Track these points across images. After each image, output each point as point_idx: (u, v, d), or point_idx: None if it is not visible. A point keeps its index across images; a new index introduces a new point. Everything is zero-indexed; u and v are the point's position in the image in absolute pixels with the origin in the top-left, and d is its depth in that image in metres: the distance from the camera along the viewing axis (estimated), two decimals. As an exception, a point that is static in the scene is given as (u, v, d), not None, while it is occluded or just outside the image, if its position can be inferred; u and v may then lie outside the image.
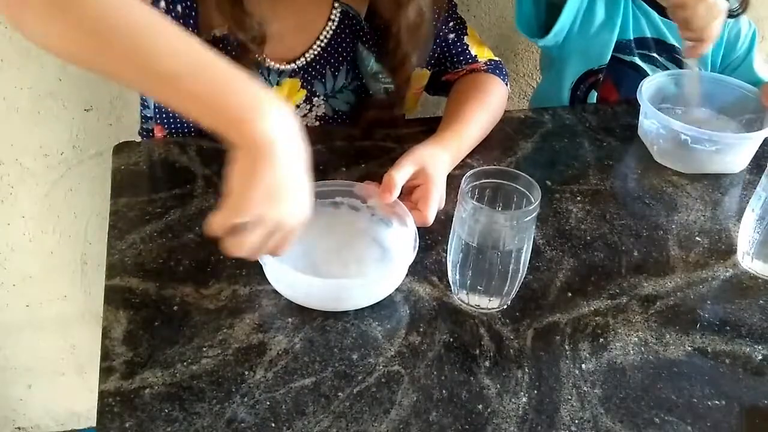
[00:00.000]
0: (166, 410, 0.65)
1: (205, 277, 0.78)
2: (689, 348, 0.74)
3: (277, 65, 0.98)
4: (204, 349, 0.70)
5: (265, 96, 0.63)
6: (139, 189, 0.90)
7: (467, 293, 0.76)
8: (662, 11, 1.13)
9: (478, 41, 1.09)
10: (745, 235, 0.84)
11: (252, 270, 0.78)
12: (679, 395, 0.69)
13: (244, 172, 0.63)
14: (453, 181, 0.86)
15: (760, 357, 0.73)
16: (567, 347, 0.73)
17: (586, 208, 0.91)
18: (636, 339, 0.74)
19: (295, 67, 0.99)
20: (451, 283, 0.78)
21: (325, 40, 0.99)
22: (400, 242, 0.79)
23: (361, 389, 0.68)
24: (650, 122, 1.00)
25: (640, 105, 1.01)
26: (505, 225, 0.71)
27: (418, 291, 0.78)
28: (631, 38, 1.15)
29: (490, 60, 1.08)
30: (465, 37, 1.07)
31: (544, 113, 1.10)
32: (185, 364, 0.69)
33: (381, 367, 0.70)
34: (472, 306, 0.76)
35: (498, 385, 0.69)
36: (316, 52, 0.99)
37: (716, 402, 0.69)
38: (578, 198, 0.93)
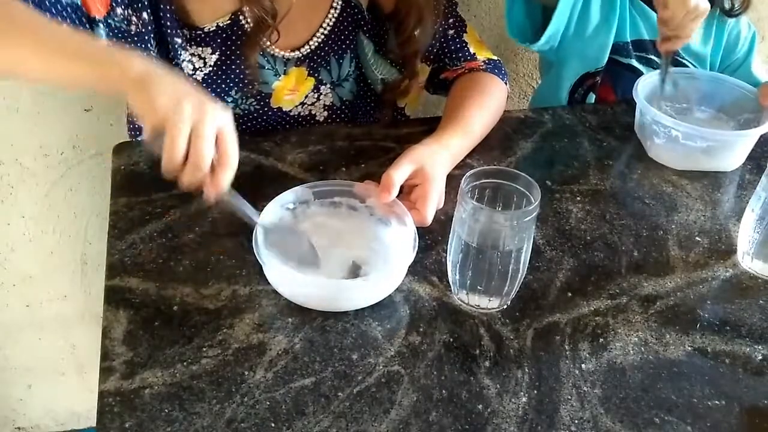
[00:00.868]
0: (166, 410, 0.65)
1: (205, 277, 0.78)
2: (689, 348, 0.74)
3: (283, 53, 0.99)
4: (204, 349, 0.70)
5: (133, 54, 0.72)
6: (139, 189, 0.90)
7: (467, 293, 0.76)
8: None
9: (477, 40, 1.09)
10: (745, 235, 0.84)
11: (252, 270, 0.78)
12: (679, 395, 0.69)
13: (139, 101, 0.68)
14: (453, 181, 0.86)
15: (760, 357, 0.73)
16: (567, 347, 0.73)
17: (586, 208, 0.91)
18: (636, 339, 0.74)
19: (300, 55, 1.00)
20: (451, 283, 0.78)
21: (328, 28, 1.01)
22: (399, 242, 0.79)
23: (361, 389, 0.68)
24: (644, 118, 1.01)
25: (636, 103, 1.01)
26: (505, 225, 0.71)
27: (418, 291, 0.78)
28: (629, 40, 1.16)
29: (489, 59, 1.08)
30: (464, 34, 1.07)
31: (543, 113, 1.10)
32: (185, 364, 0.69)
33: (381, 367, 0.70)
34: (472, 306, 0.76)
35: (498, 385, 0.69)
36: (320, 40, 1.01)
37: (716, 402, 0.69)
38: (578, 198, 0.93)
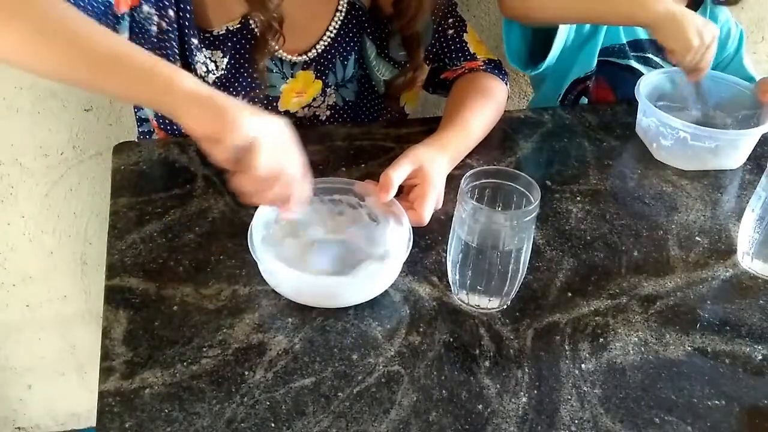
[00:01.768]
0: (166, 410, 0.65)
1: (205, 277, 0.78)
2: (689, 348, 0.74)
3: (290, 57, 0.99)
4: (204, 349, 0.70)
5: (175, 69, 0.70)
6: (139, 189, 0.90)
7: (467, 293, 0.76)
8: None
9: (477, 40, 1.09)
10: (745, 235, 0.84)
11: (252, 270, 0.78)
12: (679, 395, 0.69)
13: (203, 121, 0.68)
14: (453, 181, 0.86)
15: (760, 357, 0.73)
16: (567, 347, 0.73)
17: (586, 208, 0.91)
18: (636, 339, 0.74)
19: (307, 58, 1.00)
20: (451, 283, 0.78)
21: (334, 31, 1.01)
22: (395, 241, 0.79)
23: (361, 389, 0.68)
24: (649, 120, 1.00)
25: (637, 104, 1.01)
26: (505, 225, 0.71)
27: (418, 291, 0.78)
28: (624, 42, 1.16)
29: (489, 59, 1.08)
30: (464, 34, 1.07)
31: (543, 113, 1.10)
32: (185, 364, 0.69)
33: (381, 367, 0.70)
34: (472, 306, 0.76)
35: (498, 385, 0.69)
36: (326, 43, 1.01)
37: (716, 402, 0.69)
38: (578, 198, 0.93)
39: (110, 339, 0.71)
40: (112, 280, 0.77)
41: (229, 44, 0.94)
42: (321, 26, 1.00)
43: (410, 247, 0.76)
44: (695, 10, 1.16)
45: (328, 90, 1.05)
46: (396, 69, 1.06)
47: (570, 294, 0.79)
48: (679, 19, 0.96)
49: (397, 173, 0.81)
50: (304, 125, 1.07)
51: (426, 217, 0.81)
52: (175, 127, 1.01)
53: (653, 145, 1.01)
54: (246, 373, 0.68)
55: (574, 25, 1.11)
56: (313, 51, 1.01)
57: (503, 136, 1.04)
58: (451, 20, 1.06)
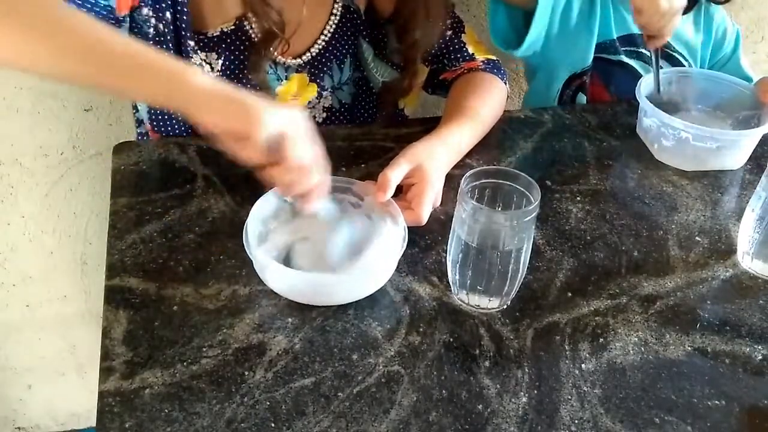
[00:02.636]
0: (166, 410, 0.65)
1: (205, 277, 0.78)
2: (689, 348, 0.74)
3: (284, 60, 0.99)
4: (204, 349, 0.70)
5: (187, 65, 0.70)
6: (139, 189, 0.90)
7: (467, 293, 0.76)
8: None
9: (475, 40, 1.09)
10: (745, 235, 0.84)
11: (252, 270, 0.78)
12: (679, 395, 0.69)
13: (225, 118, 0.67)
14: (453, 181, 0.86)
15: (760, 357, 0.73)
16: (567, 347, 0.73)
17: (586, 208, 0.91)
18: (636, 339, 0.74)
19: (301, 62, 1.00)
20: (450, 283, 0.78)
21: (329, 35, 1.01)
22: (391, 240, 0.79)
23: (361, 389, 0.68)
24: (650, 121, 1.00)
25: (638, 104, 1.01)
26: (505, 225, 0.71)
27: (418, 291, 0.78)
28: (615, 37, 1.16)
29: (488, 59, 1.08)
30: (462, 35, 1.07)
31: (543, 113, 1.10)
32: (185, 364, 0.69)
33: (381, 367, 0.70)
34: (472, 306, 0.76)
35: (498, 385, 0.69)
36: (320, 47, 1.01)
37: (716, 402, 0.69)
38: (578, 198, 0.93)
39: (110, 339, 0.71)
40: (112, 280, 0.77)
41: (224, 46, 0.94)
42: (316, 29, 1.00)
43: (404, 247, 0.76)
44: (690, 10, 1.16)
45: (324, 93, 1.05)
46: (395, 70, 1.06)
47: (570, 294, 0.79)
48: None
49: (395, 173, 0.81)
50: None
51: (424, 216, 0.81)
52: (169, 130, 1.01)
53: (654, 145, 1.01)
54: (246, 373, 0.68)
55: (558, 13, 1.11)
56: (308, 54, 1.00)
57: (503, 136, 1.04)
58: (449, 21, 1.06)
